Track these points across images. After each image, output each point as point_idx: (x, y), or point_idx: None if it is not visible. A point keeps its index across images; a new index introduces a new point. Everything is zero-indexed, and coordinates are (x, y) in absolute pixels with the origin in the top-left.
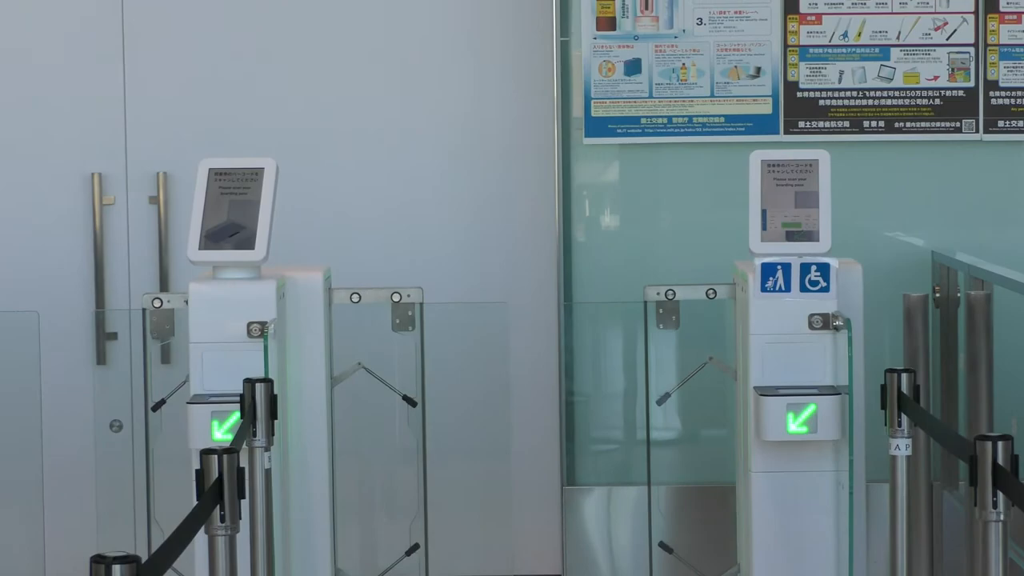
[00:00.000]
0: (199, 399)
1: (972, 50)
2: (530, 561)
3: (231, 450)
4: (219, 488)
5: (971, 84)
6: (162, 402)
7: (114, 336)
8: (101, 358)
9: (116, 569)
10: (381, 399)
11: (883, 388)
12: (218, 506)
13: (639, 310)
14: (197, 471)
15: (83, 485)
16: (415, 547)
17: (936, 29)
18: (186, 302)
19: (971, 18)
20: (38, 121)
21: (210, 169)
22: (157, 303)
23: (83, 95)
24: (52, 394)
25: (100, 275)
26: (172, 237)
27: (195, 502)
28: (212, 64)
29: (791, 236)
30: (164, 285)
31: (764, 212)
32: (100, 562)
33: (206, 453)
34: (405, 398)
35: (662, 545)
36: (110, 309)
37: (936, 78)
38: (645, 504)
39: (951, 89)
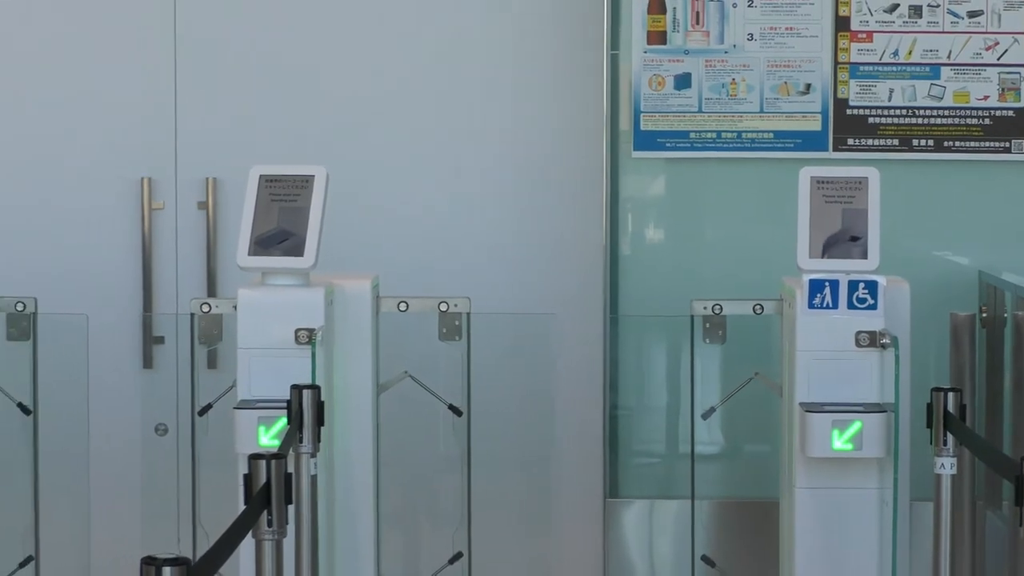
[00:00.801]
0: (246, 404)
1: (1022, 70)
2: (572, 572)
3: (279, 455)
4: (266, 493)
5: (1021, 104)
6: (209, 407)
7: (161, 340)
8: (148, 362)
9: (167, 571)
10: (427, 408)
11: (929, 407)
12: (265, 511)
13: (685, 324)
14: (245, 476)
15: (128, 487)
16: (458, 555)
17: (987, 49)
18: (234, 307)
19: (1022, 39)
20: (89, 126)
21: (261, 176)
22: (205, 308)
23: (134, 101)
24: (99, 396)
25: (148, 279)
26: (220, 243)
27: (241, 506)
28: (261, 71)
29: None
30: (212, 290)
31: (812, 229)
32: (151, 563)
33: (255, 458)
34: (451, 407)
35: (704, 559)
36: (158, 313)
37: (986, 98)
38: (686, 517)
39: (1001, 109)
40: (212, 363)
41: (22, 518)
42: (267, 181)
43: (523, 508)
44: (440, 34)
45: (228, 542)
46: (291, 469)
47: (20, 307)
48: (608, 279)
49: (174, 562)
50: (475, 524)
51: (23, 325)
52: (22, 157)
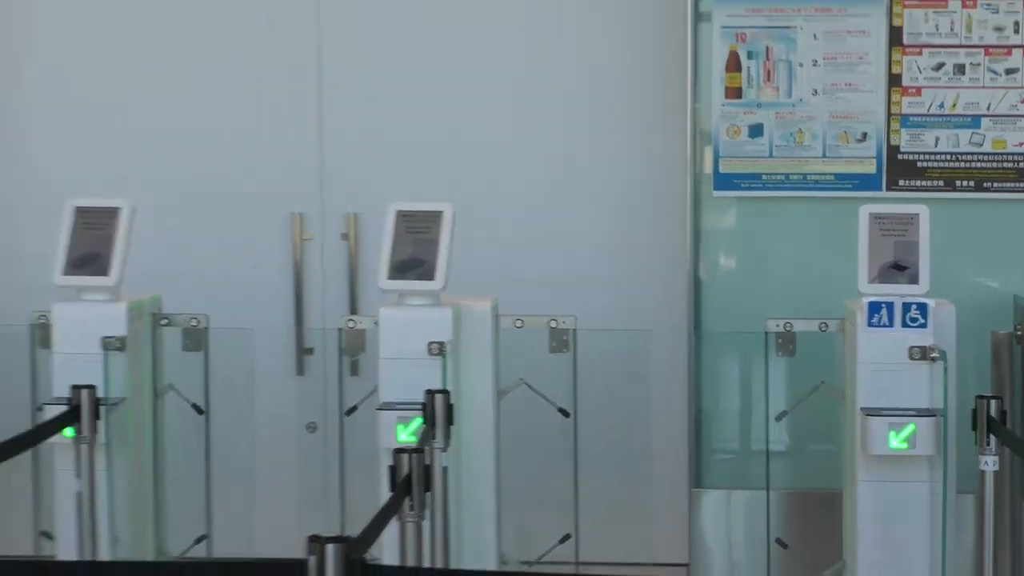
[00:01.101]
0: (387, 406)
1: None
2: (663, 550)
3: (419, 450)
4: (408, 482)
5: None
6: (354, 408)
7: (311, 351)
8: (300, 369)
9: (329, 548)
10: (539, 410)
11: (974, 412)
12: (407, 497)
13: (760, 339)
14: (391, 467)
15: (286, 476)
16: (567, 537)
17: (1022, 101)
18: (375, 323)
19: None
20: (251, 168)
21: (398, 211)
22: (351, 324)
23: (285, 144)
24: (260, 398)
25: (300, 299)
26: (361, 268)
27: (386, 494)
28: (395, 115)
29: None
30: (353, 309)
31: (871, 258)
32: (316, 541)
33: (399, 452)
34: (560, 410)
35: (778, 541)
36: (309, 328)
37: (1021, 144)
38: (759, 505)
39: None
40: (354, 371)
41: (197, 502)
42: (403, 216)
43: (621, 496)
44: (552, 88)
45: (378, 523)
46: (427, 462)
47: (195, 322)
48: (691, 300)
49: (336, 540)
50: (581, 510)
51: (197, 338)
52: (200, 193)
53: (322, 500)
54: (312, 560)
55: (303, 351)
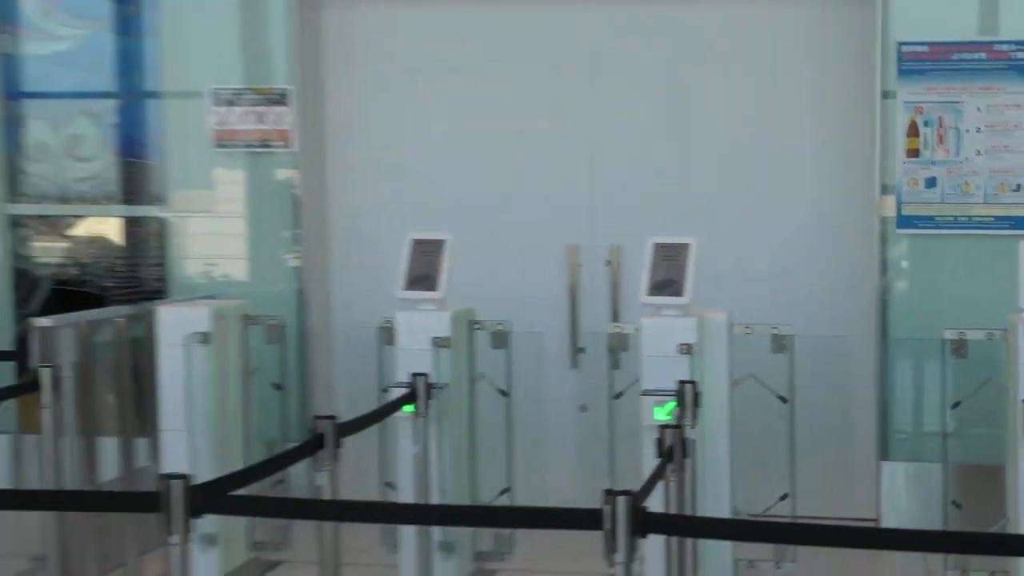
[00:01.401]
0: (649, 393)
1: None
2: (857, 509)
3: (677, 426)
4: (671, 451)
5: None
6: (620, 394)
7: (583, 350)
8: (574, 364)
9: (620, 499)
10: (763, 398)
11: None
12: (669, 463)
13: (937, 345)
14: (657, 439)
15: (563, 448)
16: (785, 495)
17: None
18: (635, 329)
19: None
20: (536, 210)
21: (655, 243)
22: (616, 329)
23: (566, 195)
24: (543, 386)
25: (574, 310)
26: (621, 288)
27: (648, 459)
28: (648, 166)
29: None
30: (614, 319)
31: None
32: (609, 494)
33: (664, 428)
34: (779, 397)
35: (954, 503)
36: (582, 332)
37: None
38: (932, 474)
39: None
40: (616, 365)
41: (500, 465)
42: (659, 246)
43: (826, 465)
44: (767, 149)
45: (652, 481)
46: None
47: (500, 327)
48: (879, 313)
49: (623, 493)
50: (798, 474)
51: (502, 338)
52: (504, 230)
53: (594, 464)
54: (607, 508)
55: (577, 350)
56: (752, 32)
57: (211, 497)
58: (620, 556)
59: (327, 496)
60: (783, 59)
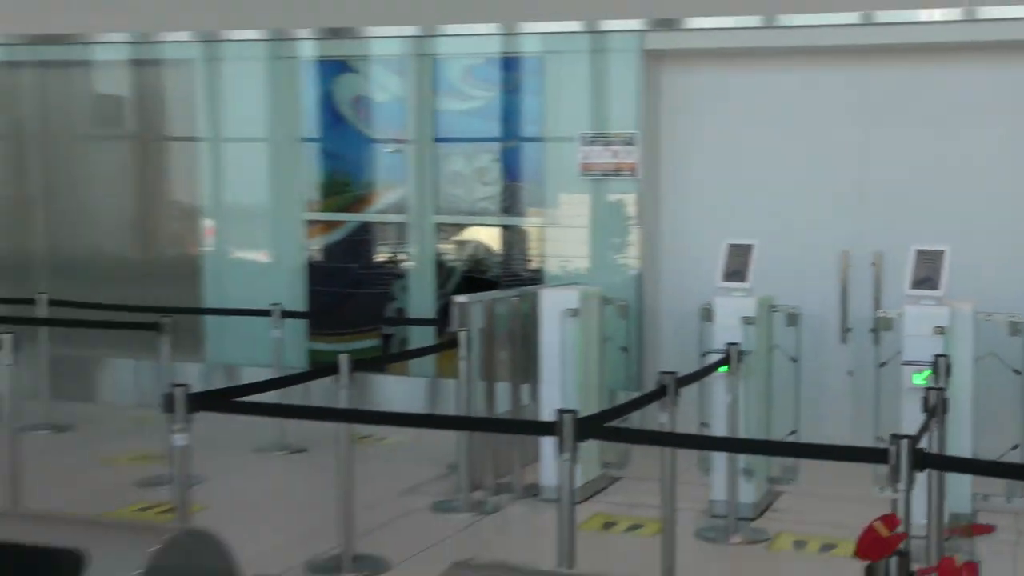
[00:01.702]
0: (910, 363)
1: None
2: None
3: (940, 388)
4: (934, 408)
5: None
6: (884, 363)
7: (850, 330)
8: (843, 340)
9: (902, 442)
10: (1002, 373)
11: None
12: (933, 417)
13: None
14: (923, 398)
15: (835, 401)
16: (1015, 446)
17: None
18: (898, 315)
19: None
20: (821, 223)
21: (917, 250)
22: (883, 314)
23: (842, 211)
24: (819, 355)
25: (844, 300)
26: (884, 285)
27: (909, 414)
28: (907, 184)
29: None
30: (876, 307)
31: None
32: (895, 437)
33: (929, 389)
34: (1014, 371)
35: None
36: (851, 316)
37: None
38: None
39: None
40: (877, 341)
41: (789, 413)
42: (920, 252)
43: None
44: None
45: (922, 431)
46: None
47: (791, 310)
48: None
49: (903, 437)
50: None
51: (794, 318)
52: (793, 234)
53: (857, 414)
54: (892, 448)
55: (845, 330)
56: (1008, 87)
57: (592, 427)
58: (902, 485)
59: (667, 430)
60: None
